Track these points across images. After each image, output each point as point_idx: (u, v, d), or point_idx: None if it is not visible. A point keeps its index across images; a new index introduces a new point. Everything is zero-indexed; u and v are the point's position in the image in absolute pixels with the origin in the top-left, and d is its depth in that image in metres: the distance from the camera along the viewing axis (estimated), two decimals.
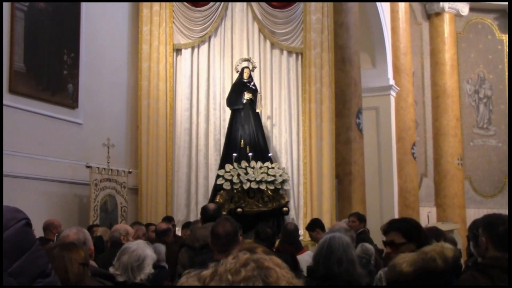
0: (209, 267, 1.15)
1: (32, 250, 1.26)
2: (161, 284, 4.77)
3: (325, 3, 10.20)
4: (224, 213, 8.37)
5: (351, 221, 7.26)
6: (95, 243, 4.09)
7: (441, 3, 15.28)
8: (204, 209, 5.10)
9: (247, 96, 9.39)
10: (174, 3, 9.99)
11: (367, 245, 5.59)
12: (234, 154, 9.12)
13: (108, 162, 8.42)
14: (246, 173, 8.96)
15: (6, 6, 7.02)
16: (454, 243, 5.66)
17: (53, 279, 1.27)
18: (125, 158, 9.48)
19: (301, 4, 10.25)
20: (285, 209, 9.18)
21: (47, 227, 6.22)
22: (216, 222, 3.41)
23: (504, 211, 11.21)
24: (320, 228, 6.26)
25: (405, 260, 2.60)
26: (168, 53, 9.91)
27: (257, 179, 8.95)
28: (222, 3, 10.14)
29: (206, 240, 4.37)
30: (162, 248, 5.30)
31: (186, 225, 7.51)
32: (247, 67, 9.58)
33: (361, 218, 7.42)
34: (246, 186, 8.91)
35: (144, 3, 9.80)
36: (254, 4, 10.23)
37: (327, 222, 8.46)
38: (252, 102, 9.44)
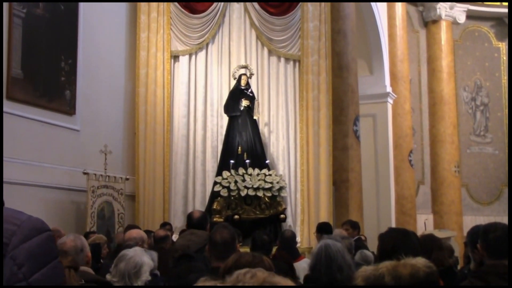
0: (228, 280, 1.14)
1: (52, 264, 1.26)
2: None
3: (323, 9, 10.24)
4: (221, 220, 8.38)
5: (345, 229, 7.21)
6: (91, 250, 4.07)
7: (438, 10, 15.32)
8: (189, 216, 5.12)
9: (244, 103, 9.40)
10: (172, 10, 9.98)
11: (366, 252, 5.58)
12: (232, 161, 9.12)
13: (105, 169, 8.39)
14: (244, 180, 8.96)
15: (5, 12, 7.00)
16: (451, 250, 5.67)
17: None
18: (122, 165, 9.45)
19: (299, 11, 10.28)
20: (282, 216, 9.18)
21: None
22: (214, 229, 3.40)
23: (501, 219, 11.22)
24: (326, 233, 6.24)
25: (361, 274, 2.62)
26: (166, 59, 9.90)
27: (254, 186, 8.94)
28: (220, 10, 10.14)
29: (184, 249, 4.35)
30: (154, 255, 5.27)
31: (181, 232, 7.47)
32: (245, 74, 9.59)
33: (354, 226, 7.33)
34: (243, 193, 8.90)
35: (142, 10, 9.77)
36: (251, 10, 10.24)
37: None
38: (250, 109, 9.45)
